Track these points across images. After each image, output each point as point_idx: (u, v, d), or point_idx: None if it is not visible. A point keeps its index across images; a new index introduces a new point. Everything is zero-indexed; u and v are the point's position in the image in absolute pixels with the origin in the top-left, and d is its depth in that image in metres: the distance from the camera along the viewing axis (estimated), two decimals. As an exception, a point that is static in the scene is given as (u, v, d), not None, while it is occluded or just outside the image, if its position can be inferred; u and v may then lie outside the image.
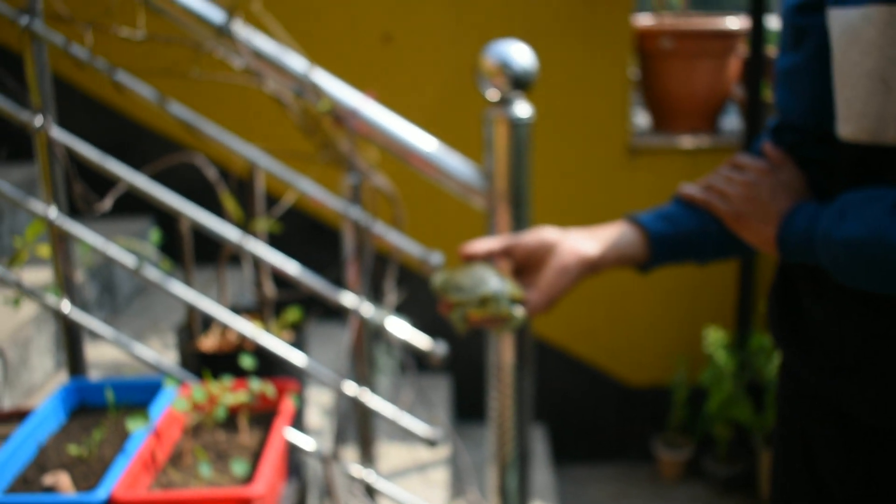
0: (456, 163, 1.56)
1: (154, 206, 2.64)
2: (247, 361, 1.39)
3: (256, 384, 1.36)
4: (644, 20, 2.95)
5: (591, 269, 1.11)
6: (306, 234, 2.73)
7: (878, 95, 0.93)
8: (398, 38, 2.71)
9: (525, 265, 1.13)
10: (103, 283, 2.28)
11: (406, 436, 2.32)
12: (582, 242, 1.11)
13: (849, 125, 0.97)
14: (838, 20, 0.98)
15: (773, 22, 2.92)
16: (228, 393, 1.35)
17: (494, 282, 1.07)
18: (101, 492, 1.12)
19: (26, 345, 1.88)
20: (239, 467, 1.20)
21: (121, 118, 2.74)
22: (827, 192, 1.08)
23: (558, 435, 3.03)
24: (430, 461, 2.26)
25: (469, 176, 1.55)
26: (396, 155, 1.56)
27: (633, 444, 3.06)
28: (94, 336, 1.65)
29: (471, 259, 1.14)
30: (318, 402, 2.11)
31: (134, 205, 2.55)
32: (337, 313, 2.71)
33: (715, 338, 2.73)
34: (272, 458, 1.23)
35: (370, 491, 1.74)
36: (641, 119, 3.23)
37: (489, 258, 1.14)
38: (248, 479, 1.22)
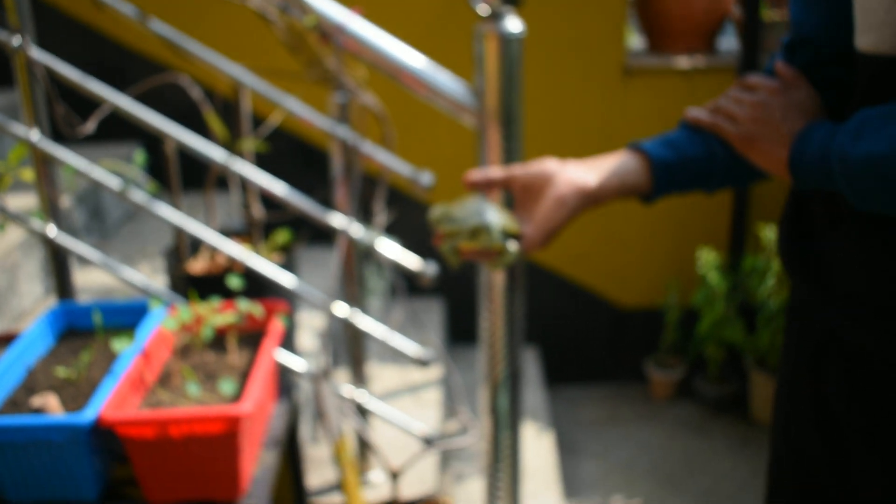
0: (446, 80, 1.52)
1: (140, 130, 2.60)
2: (234, 282, 1.37)
3: (244, 304, 1.35)
4: (640, -64, 2.88)
5: (591, 200, 1.05)
6: (294, 156, 2.69)
7: None
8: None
9: (523, 197, 1.08)
10: (92, 208, 2.25)
11: (398, 357, 2.33)
12: (580, 173, 1.06)
13: (869, 36, 0.91)
14: None
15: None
16: (217, 314, 1.34)
17: (489, 213, 1.03)
18: (90, 412, 1.12)
19: (14, 270, 1.86)
20: (227, 386, 1.20)
21: (104, 39, 2.68)
22: (844, 116, 1.01)
23: (551, 356, 3.05)
24: (423, 382, 2.27)
25: (459, 93, 1.52)
26: (385, 72, 1.52)
27: (625, 365, 3.08)
28: (83, 261, 1.64)
29: (472, 188, 1.10)
30: (310, 325, 2.10)
31: (119, 129, 2.51)
32: (326, 236, 2.70)
33: (707, 259, 2.73)
34: (260, 378, 1.23)
35: (362, 411, 1.74)
36: (637, 40, 3.17)
37: (489, 187, 1.10)
38: (237, 398, 1.22)
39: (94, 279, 2.10)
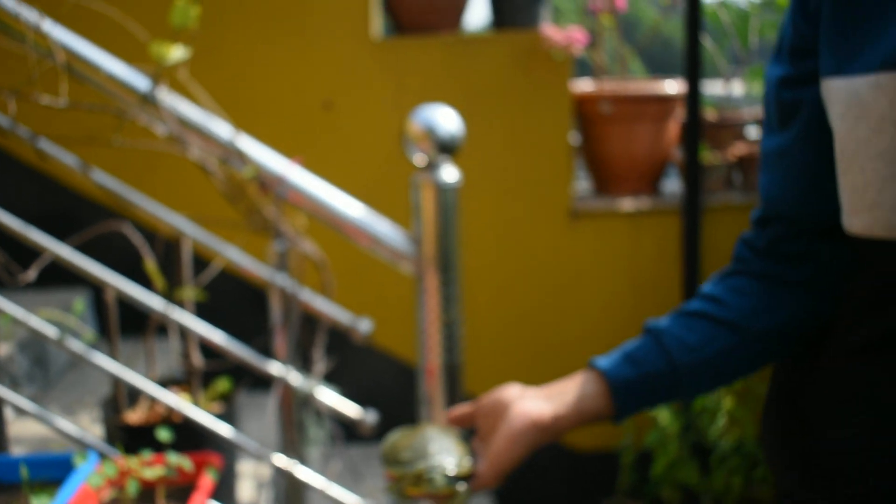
0: (384, 228, 1.55)
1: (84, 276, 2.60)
2: (163, 434, 1.35)
3: (174, 458, 1.32)
4: (584, 85, 3.00)
5: (547, 435, 0.97)
6: (237, 298, 2.69)
7: (893, 182, 0.79)
8: (339, 104, 2.72)
9: (483, 427, 1.01)
10: (34, 356, 2.22)
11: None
12: (535, 404, 0.97)
13: (859, 217, 0.83)
14: (841, 92, 0.84)
15: (709, 86, 2.97)
16: (146, 467, 1.31)
17: (438, 454, 0.97)
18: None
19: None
20: (150, 546, 1.16)
21: (53, 183, 2.70)
22: (823, 292, 0.95)
23: (506, 501, 2.98)
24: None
25: (397, 241, 1.54)
26: (324, 221, 1.55)
27: (583, 510, 3.02)
28: (21, 411, 1.60)
29: (454, 424, 1.04)
30: (251, 475, 2.06)
31: (65, 274, 2.50)
32: (269, 380, 2.67)
33: (659, 400, 2.72)
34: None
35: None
36: (584, 182, 3.26)
37: (466, 422, 1.04)
38: (162, 558, 1.18)
39: (32, 429, 2.05)
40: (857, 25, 0.83)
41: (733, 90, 3.30)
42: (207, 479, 1.35)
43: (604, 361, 0.98)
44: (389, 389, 2.73)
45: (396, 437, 1.03)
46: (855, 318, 0.87)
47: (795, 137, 0.92)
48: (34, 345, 2.22)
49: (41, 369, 2.26)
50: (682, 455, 2.70)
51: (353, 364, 2.69)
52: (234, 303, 2.66)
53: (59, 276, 2.53)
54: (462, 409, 1.03)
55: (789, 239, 0.96)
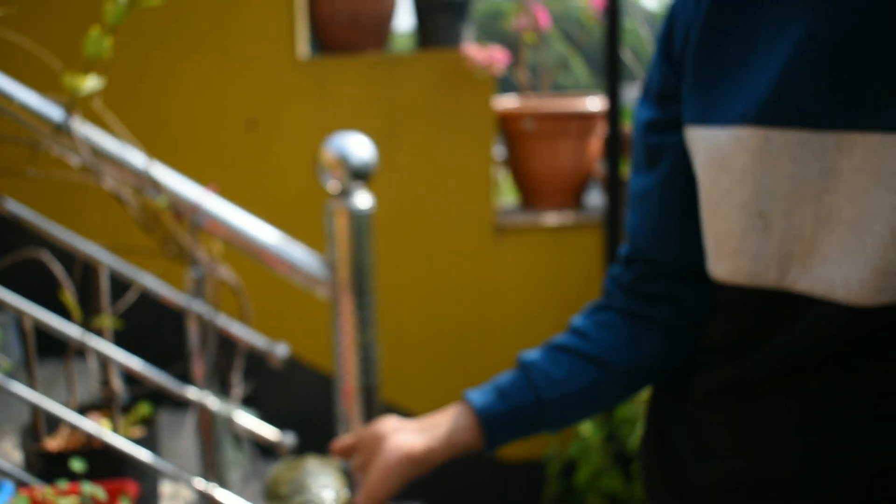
0: (299, 254, 1.58)
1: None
2: (77, 465, 1.36)
3: (88, 487, 1.34)
4: (507, 102, 3.06)
5: (420, 467, 1.00)
6: (157, 322, 2.69)
7: (754, 231, 0.82)
8: (263, 124, 2.75)
9: (363, 459, 1.04)
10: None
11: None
12: (408, 438, 1.00)
13: (722, 264, 0.87)
14: (703, 142, 0.87)
15: (633, 94, 3.05)
16: (61, 496, 1.32)
17: (316, 487, 1.02)
18: None
19: None
20: (60, 577, 1.18)
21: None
22: (681, 333, 0.99)
23: (437, 513, 3.03)
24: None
25: (312, 267, 1.57)
26: (238, 248, 1.58)
27: (512, 519, 3.08)
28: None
29: (340, 456, 1.07)
30: (179, 495, 2.07)
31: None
32: (188, 407, 2.68)
33: (582, 410, 2.79)
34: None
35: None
36: (509, 198, 3.32)
37: (349, 453, 1.07)
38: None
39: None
40: (718, 78, 0.86)
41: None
42: (122, 509, 1.37)
43: (475, 395, 1.01)
44: (309, 411, 2.75)
45: (278, 471, 1.06)
46: (716, 360, 0.92)
47: (659, 180, 0.95)
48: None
49: (-39, 396, 2.24)
50: (606, 464, 2.77)
51: (271, 387, 2.71)
52: (155, 327, 2.66)
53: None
54: (345, 440, 1.06)
55: (650, 279, 1.00)
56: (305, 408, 2.80)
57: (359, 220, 1.56)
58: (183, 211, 1.55)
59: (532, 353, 1.03)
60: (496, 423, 0.99)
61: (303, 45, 2.79)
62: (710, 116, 0.86)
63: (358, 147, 1.57)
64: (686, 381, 0.97)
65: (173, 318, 2.68)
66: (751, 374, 0.86)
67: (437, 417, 1.02)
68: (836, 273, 0.76)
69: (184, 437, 2.37)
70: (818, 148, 0.76)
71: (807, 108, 0.77)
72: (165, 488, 1.92)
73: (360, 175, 1.56)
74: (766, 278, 0.82)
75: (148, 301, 2.56)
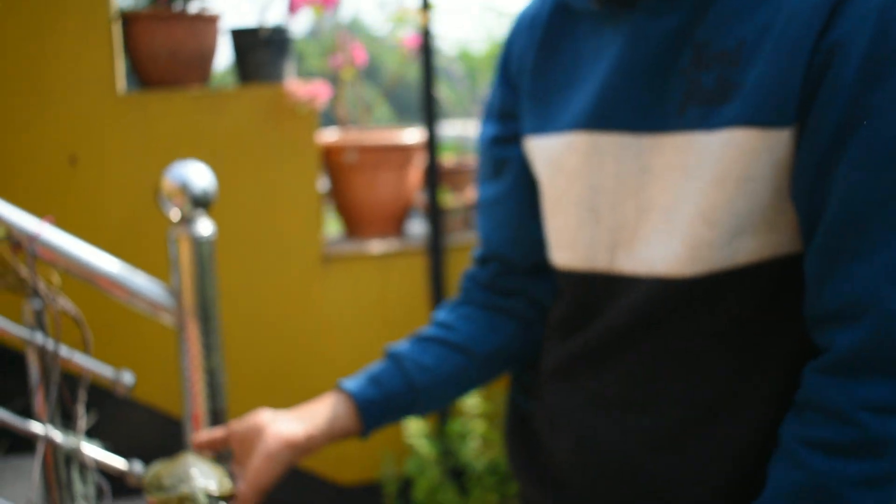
0: (142, 282, 1.60)
1: None
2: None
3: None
4: (330, 135, 3.15)
5: (300, 451, 1.07)
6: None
7: (587, 224, 0.94)
8: (84, 160, 2.70)
9: (240, 451, 1.10)
10: None
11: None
12: (288, 425, 1.07)
13: (561, 253, 0.99)
14: (540, 150, 1.00)
15: (450, 127, 3.21)
16: None
17: (199, 477, 1.04)
18: None
19: None
20: None
21: None
22: (533, 322, 1.10)
23: (276, 544, 3.03)
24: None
25: (156, 294, 1.59)
26: (80, 277, 1.58)
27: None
28: None
29: (201, 449, 1.11)
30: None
31: None
32: (28, 443, 2.58)
33: (415, 428, 2.89)
34: None
35: None
36: (335, 228, 3.40)
37: (214, 447, 1.12)
38: None
39: None
40: (550, 94, 1.01)
41: (469, 131, 3.59)
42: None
43: (351, 384, 1.11)
44: (154, 440, 2.71)
45: (158, 467, 1.10)
46: (553, 342, 1.05)
47: (505, 188, 1.09)
48: None
49: None
50: (442, 479, 2.87)
51: (116, 418, 2.65)
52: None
53: None
54: (210, 434, 1.11)
55: (504, 275, 1.13)
56: (149, 437, 2.75)
57: (201, 247, 1.60)
58: (20, 242, 1.54)
59: (399, 345, 1.13)
60: (372, 408, 1.09)
61: (122, 81, 2.77)
62: (545, 126, 1.01)
63: (198, 175, 1.60)
64: (537, 364, 1.09)
65: (10, 356, 2.58)
66: (579, 351, 0.99)
67: (313, 406, 1.11)
68: (656, 252, 0.90)
69: (23, 479, 2.28)
70: (636, 149, 0.91)
71: (624, 114, 0.92)
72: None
73: (201, 203, 1.60)
74: (597, 263, 0.95)
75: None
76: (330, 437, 1.10)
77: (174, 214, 1.60)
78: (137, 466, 1.65)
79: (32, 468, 2.35)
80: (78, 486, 2.00)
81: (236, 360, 2.88)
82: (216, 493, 1.04)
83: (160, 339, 2.67)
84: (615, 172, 0.92)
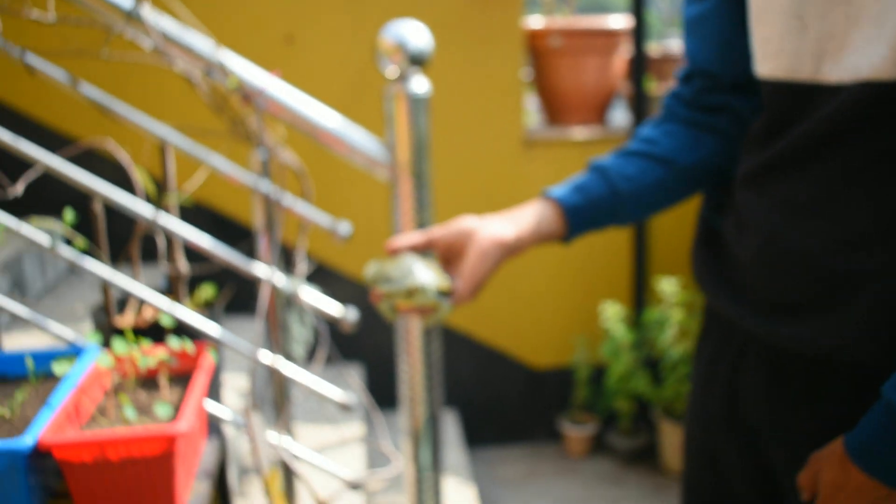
0: (360, 137, 1.65)
1: (57, 204, 2.65)
2: (166, 319, 1.45)
3: (175, 341, 1.42)
4: (534, 21, 3.11)
5: (511, 251, 1.13)
6: (210, 230, 2.78)
7: (793, 32, 0.94)
8: (300, 39, 2.80)
9: (447, 255, 1.15)
10: (13, 278, 2.29)
11: (321, 418, 2.39)
12: (499, 227, 1.13)
13: (766, 63, 0.99)
14: None
15: (654, 20, 3.10)
16: (148, 354, 1.41)
17: (422, 273, 1.10)
18: (28, 438, 1.17)
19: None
20: (162, 410, 1.26)
21: (22, 119, 2.75)
22: (735, 138, 1.11)
23: (468, 418, 3.13)
24: (346, 439, 2.34)
25: (372, 149, 1.65)
26: (303, 131, 1.65)
27: (541, 424, 3.19)
28: (11, 324, 1.68)
29: (395, 252, 1.16)
30: (233, 386, 2.16)
31: (36, 203, 2.56)
32: (245, 305, 2.77)
33: (612, 312, 2.88)
34: (194, 402, 1.30)
35: (288, 461, 1.80)
36: (534, 118, 3.38)
37: (415, 250, 1.17)
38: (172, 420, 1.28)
39: (22, 343, 2.12)
40: None
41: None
42: (208, 359, 1.45)
43: (556, 191, 1.15)
44: (363, 297, 2.84)
45: (379, 263, 1.16)
46: (753, 149, 1.05)
47: (712, 4, 1.09)
48: (13, 267, 2.29)
49: (20, 292, 2.33)
50: (635, 366, 2.87)
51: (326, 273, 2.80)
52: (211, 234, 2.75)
53: (31, 204, 2.60)
54: (410, 237, 1.16)
55: (708, 92, 1.13)
56: (359, 294, 2.89)
57: (417, 104, 1.63)
58: (249, 95, 1.62)
59: (603, 159, 1.17)
60: (578, 213, 1.13)
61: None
62: None
63: (415, 33, 1.63)
64: (731, 181, 1.10)
65: (227, 226, 2.76)
66: (774, 158, 0.99)
67: (520, 211, 1.16)
68: (862, 59, 0.88)
69: (243, 337, 2.46)
70: None
71: None
72: (224, 377, 2.01)
73: (418, 61, 1.63)
74: (801, 73, 0.94)
75: (203, 210, 2.65)
76: (537, 238, 1.14)
77: (391, 72, 1.63)
78: (352, 313, 1.73)
79: (251, 326, 2.53)
80: (297, 327, 2.13)
81: (443, 221, 2.96)
82: (441, 287, 1.11)
83: (376, 194, 2.79)
84: None
